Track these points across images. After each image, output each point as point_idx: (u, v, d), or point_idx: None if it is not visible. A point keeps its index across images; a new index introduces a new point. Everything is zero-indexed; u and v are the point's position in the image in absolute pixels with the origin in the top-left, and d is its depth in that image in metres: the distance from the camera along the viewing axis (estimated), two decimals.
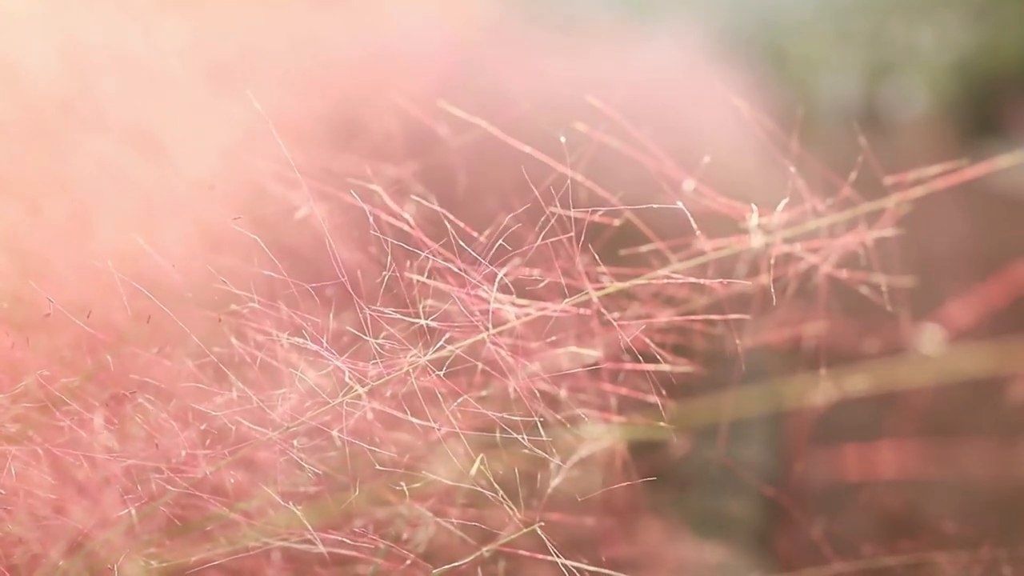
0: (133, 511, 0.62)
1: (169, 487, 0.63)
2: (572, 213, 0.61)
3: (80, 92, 0.89)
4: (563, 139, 0.64)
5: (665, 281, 0.62)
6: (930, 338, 0.77)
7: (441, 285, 0.61)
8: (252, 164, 0.82)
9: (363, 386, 0.61)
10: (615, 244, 0.64)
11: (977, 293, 0.80)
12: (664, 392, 0.67)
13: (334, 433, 0.62)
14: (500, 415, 0.62)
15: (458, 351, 0.62)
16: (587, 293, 0.62)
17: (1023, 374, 0.79)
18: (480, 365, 0.62)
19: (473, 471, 0.61)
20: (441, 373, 0.61)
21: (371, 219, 0.62)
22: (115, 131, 0.87)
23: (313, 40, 1.23)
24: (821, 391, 0.76)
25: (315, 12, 1.31)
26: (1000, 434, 0.93)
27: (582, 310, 0.62)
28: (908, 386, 0.79)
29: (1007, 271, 0.81)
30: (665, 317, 0.69)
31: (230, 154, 0.87)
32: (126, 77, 0.95)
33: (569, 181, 0.61)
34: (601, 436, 0.70)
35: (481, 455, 0.62)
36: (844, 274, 0.65)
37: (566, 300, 0.62)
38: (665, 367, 0.64)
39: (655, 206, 0.62)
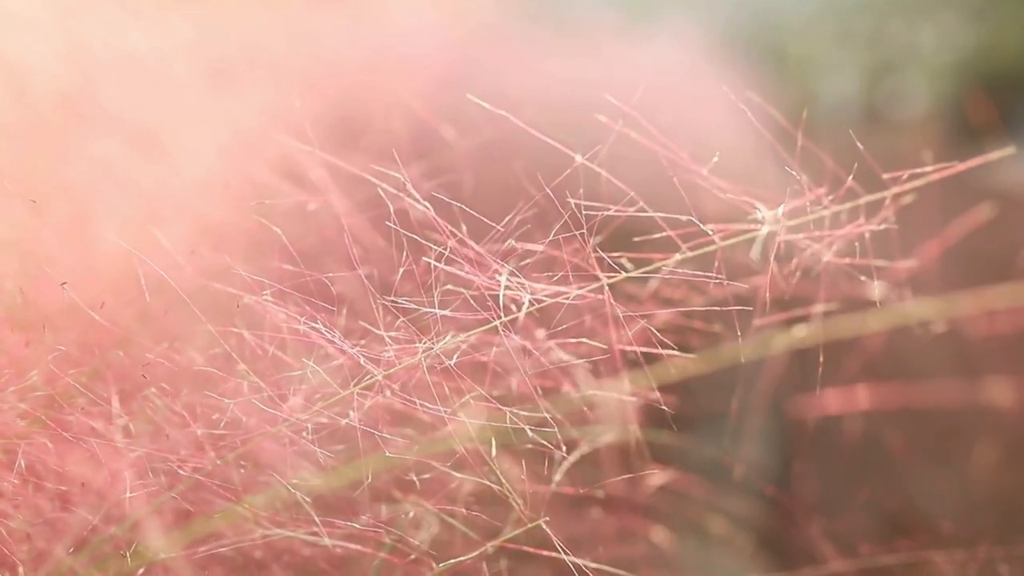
0: (142, 504, 0.62)
1: (179, 477, 0.63)
2: (584, 203, 0.62)
3: (82, 91, 0.89)
4: (575, 137, 0.64)
5: (672, 272, 0.63)
6: (882, 289, 0.80)
7: (456, 271, 0.62)
8: (256, 162, 0.82)
9: (377, 373, 0.62)
10: (625, 234, 0.65)
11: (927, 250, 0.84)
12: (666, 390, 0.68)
13: (344, 422, 0.63)
14: (509, 409, 0.62)
15: (473, 336, 0.62)
16: (600, 281, 0.63)
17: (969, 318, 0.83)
18: (495, 348, 0.63)
19: (494, 451, 0.62)
20: (452, 362, 0.62)
21: (390, 208, 0.63)
22: (118, 130, 0.87)
23: (314, 39, 1.24)
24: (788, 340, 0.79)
25: (316, 12, 1.32)
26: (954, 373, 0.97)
27: (597, 296, 0.63)
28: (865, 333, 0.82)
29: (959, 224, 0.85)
30: (667, 312, 0.69)
31: (235, 152, 0.88)
32: (129, 76, 0.95)
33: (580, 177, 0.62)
34: (606, 429, 0.71)
35: (492, 438, 0.62)
36: (846, 261, 0.67)
37: (577, 289, 0.62)
38: (671, 354, 0.65)
39: (655, 213, 0.63)
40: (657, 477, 0.80)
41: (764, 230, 0.63)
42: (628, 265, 0.64)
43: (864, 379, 0.93)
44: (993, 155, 0.65)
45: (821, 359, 0.74)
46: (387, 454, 0.64)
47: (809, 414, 0.94)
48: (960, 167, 0.64)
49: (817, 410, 0.94)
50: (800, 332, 0.80)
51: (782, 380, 0.93)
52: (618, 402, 0.71)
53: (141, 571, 0.63)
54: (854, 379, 0.92)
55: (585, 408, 0.70)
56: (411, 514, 0.69)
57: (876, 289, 0.77)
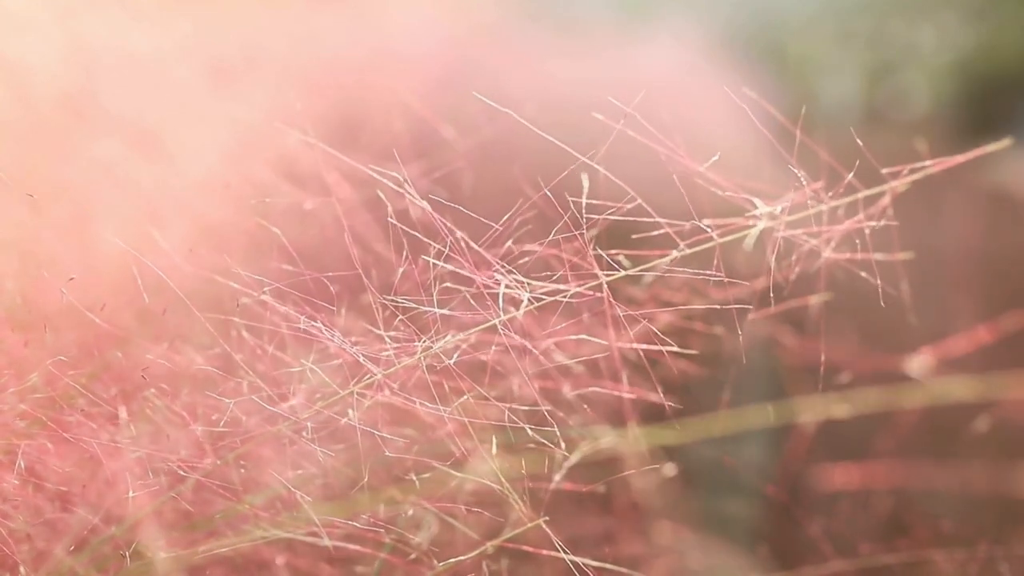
0: (141, 505, 0.62)
1: (179, 478, 0.63)
2: (584, 202, 0.62)
3: (82, 91, 0.89)
4: (575, 137, 0.64)
5: (670, 271, 0.63)
6: (920, 365, 0.80)
7: (455, 268, 0.62)
8: (256, 162, 0.82)
9: (375, 374, 0.62)
10: (623, 232, 0.65)
11: (970, 332, 0.83)
12: (666, 391, 0.68)
13: (344, 421, 0.63)
14: (508, 406, 0.62)
15: (472, 334, 0.62)
16: (599, 278, 0.63)
17: (1007, 401, 0.82)
18: (494, 347, 0.63)
19: (494, 450, 0.62)
20: (452, 362, 0.62)
21: (389, 207, 0.63)
22: (119, 130, 0.87)
23: (314, 39, 1.24)
24: (818, 408, 0.79)
25: (316, 12, 1.32)
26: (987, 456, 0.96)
27: (596, 294, 0.63)
28: (899, 408, 0.81)
29: (1000, 319, 0.84)
30: (667, 313, 0.69)
31: (235, 152, 0.88)
32: (129, 76, 0.95)
33: (582, 177, 0.63)
34: (606, 434, 0.71)
35: (493, 436, 0.63)
36: (846, 256, 0.67)
37: (575, 287, 0.63)
38: (671, 351, 0.65)
39: (654, 215, 0.63)
40: (657, 477, 0.80)
41: (761, 224, 0.63)
42: (626, 263, 0.64)
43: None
44: (990, 148, 0.65)
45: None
46: (387, 453, 0.64)
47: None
48: (959, 159, 0.64)
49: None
50: (838, 407, 0.79)
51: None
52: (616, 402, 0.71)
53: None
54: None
55: (585, 407, 0.71)
56: (411, 512, 0.69)
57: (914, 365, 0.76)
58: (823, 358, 0.71)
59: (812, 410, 0.79)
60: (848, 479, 0.92)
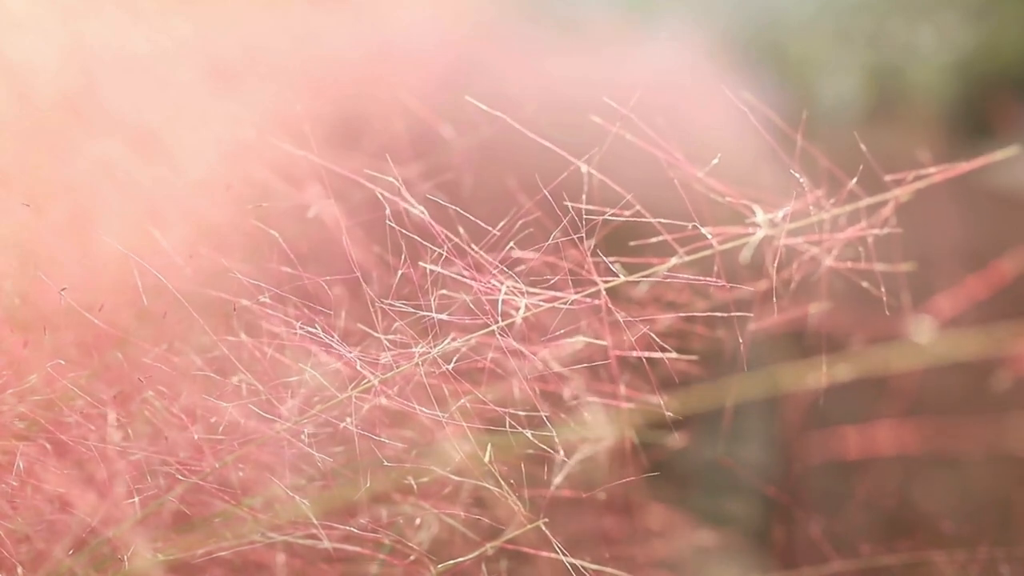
0: (140, 507, 0.62)
1: (177, 480, 0.63)
2: (584, 206, 0.62)
3: (82, 92, 0.89)
4: (574, 138, 0.64)
5: (668, 276, 0.63)
6: (921, 327, 0.80)
7: (453, 274, 0.62)
8: (256, 163, 0.82)
9: (373, 378, 0.62)
10: (623, 238, 0.65)
11: (963, 287, 0.83)
12: (666, 393, 0.68)
13: (342, 425, 0.63)
14: (506, 410, 0.62)
15: (472, 339, 0.62)
16: (598, 286, 0.63)
17: (1007, 358, 0.82)
18: (491, 354, 0.63)
19: (487, 458, 0.62)
20: (450, 367, 0.62)
21: (387, 209, 0.63)
22: (119, 130, 0.87)
23: (314, 39, 1.24)
24: (816, 376, 0.79)
25: (316, 12, 1.32)
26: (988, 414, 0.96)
27: (594, 301, 0.63)
28: (899, 371, 0.82)
29: (990, 269, 0.84)
30: (668, 316, 0.69)
31: (235, 153, 0.88)
32: (129, 77, 0.95)
33: (581, 176, 0.62)
34: (605, 433, 0.71)
35: (489, 443, 0.62)
36: (847, 265, 0.66)
37: (576, 294, 0.63)
38: (671, 358, 0.65)
39: (653, 219, 0.63)
40: (655, 477, 0.80)
41: (760, 233, 0.63)
42: (622, 272, 0.63)
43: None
44: (997, 155, 0.65)
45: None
46: (384, 463, 0.64)
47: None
48: (964, 167, 0.63)
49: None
50: (839, 369, 0.79)
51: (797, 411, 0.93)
52: (614, 407, 0.71)
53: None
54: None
55: (584, 412, 0.70)
56: (417, 521, 0.69)
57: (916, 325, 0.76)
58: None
59: (814, 375, 0.79)
60: (850, 445, 0.92)
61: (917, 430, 0.93)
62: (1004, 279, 0.83)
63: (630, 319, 0.63)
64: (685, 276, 0.63)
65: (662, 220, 0.63)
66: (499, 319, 0.62)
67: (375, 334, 0.62)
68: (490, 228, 0.63)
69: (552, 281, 0.63)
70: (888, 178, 0.64)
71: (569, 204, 0.61)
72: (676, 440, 0.75)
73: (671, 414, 0.68)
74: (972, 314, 0.81)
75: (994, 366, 0.82)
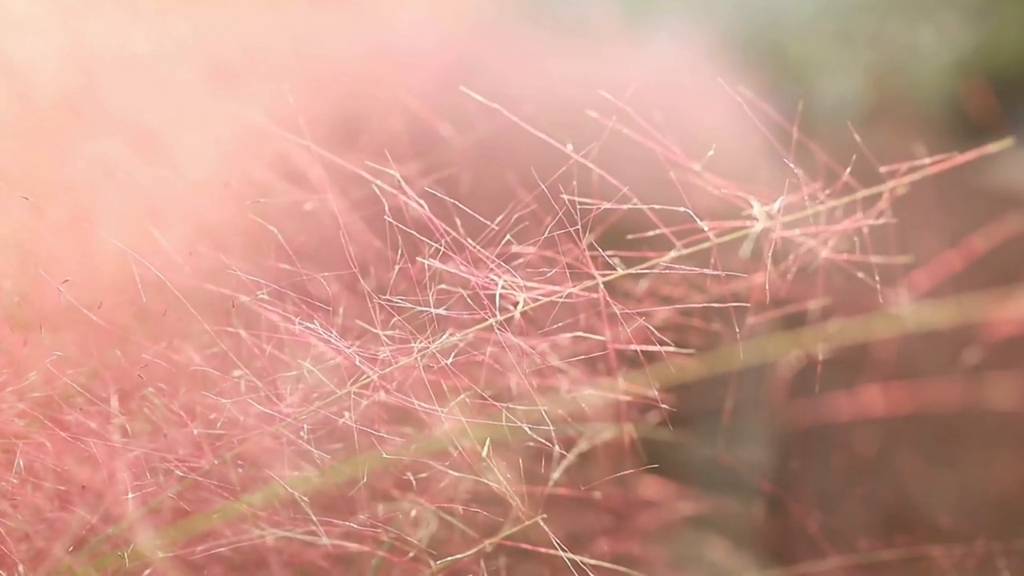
0: (139, 504, 0.62)
1: (176, 478, 0.64)
2: (579, 200, 0.62)
3: (82, 91, 0.89)
4: (574, 136, 0.65)
5: (668, 269, 0.63)
6: (898, 298, 0.81)
7: (452, 269, 0.62)
8: (256, 162, 0.82)
9: (372, 373, 0.62)
10: (620, 232, 0.65)
11: (938, 262, 0.85)
12: (663, 387, 0.68)
13: (341, 421, 0.63)
14: (505, 405, 0.62)
15: (470, 334, 0.63)
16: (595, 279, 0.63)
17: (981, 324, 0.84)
18: (489, 349, 0.63)
19: (484, 452, 0.62)
20: (448, 361, 0.62)
21: (385, 205, 0.63)
22: (118, 130, 0.87)
23: (314, 39, 1.24)
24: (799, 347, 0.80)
25: (316, 11, 1.32)
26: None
27: (591, 295, 0.63)
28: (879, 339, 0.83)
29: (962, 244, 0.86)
30: (665, 309, 0.70)
31: (234, 152, 0.88)
32: (129, 77, 0.95)
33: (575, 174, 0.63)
34: (603, 426, 0.71)
35: (487, 437, 0.63)
36: (843, 257, 0.67)
37: (572, 287, 0.63)
38: (668, 351, 0.65)
39: (651, 207, 0.63)
40: (654, 476, 0.80)
41: (758, 226, 0.63)
42: (620, 266, 0.64)
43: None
44: (991, 148, 0.65)
45: (820, 358, 0.75)
46: (384, 455, 0.64)
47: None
48: (958, 159, 0.64)
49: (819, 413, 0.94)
50: (812, 340, 0.80)
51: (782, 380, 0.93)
52: (613, 400, 0.71)
53: (145, 572, 0.63)
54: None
55: (583, 406, 0.71)
56: (413, 514, 0.69)
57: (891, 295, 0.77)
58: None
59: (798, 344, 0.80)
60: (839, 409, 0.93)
61: (900, 392, 0.94)
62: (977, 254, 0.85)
63: (627, 311, 0.63)
64: (684, 267, 0.63)
65: (655, 206, 0.63)
66: (497, 313, 0.62)
67: (373, 330, 0.62)
68: (488, 222, 0.63)
69: (550, 274, 0.63)
70: (883, 169, 0.64)
71: (565, 197, 0.62)
72: (673, 434, 0.75)
73: (667, 407, 0.68)
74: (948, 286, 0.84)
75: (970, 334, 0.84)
